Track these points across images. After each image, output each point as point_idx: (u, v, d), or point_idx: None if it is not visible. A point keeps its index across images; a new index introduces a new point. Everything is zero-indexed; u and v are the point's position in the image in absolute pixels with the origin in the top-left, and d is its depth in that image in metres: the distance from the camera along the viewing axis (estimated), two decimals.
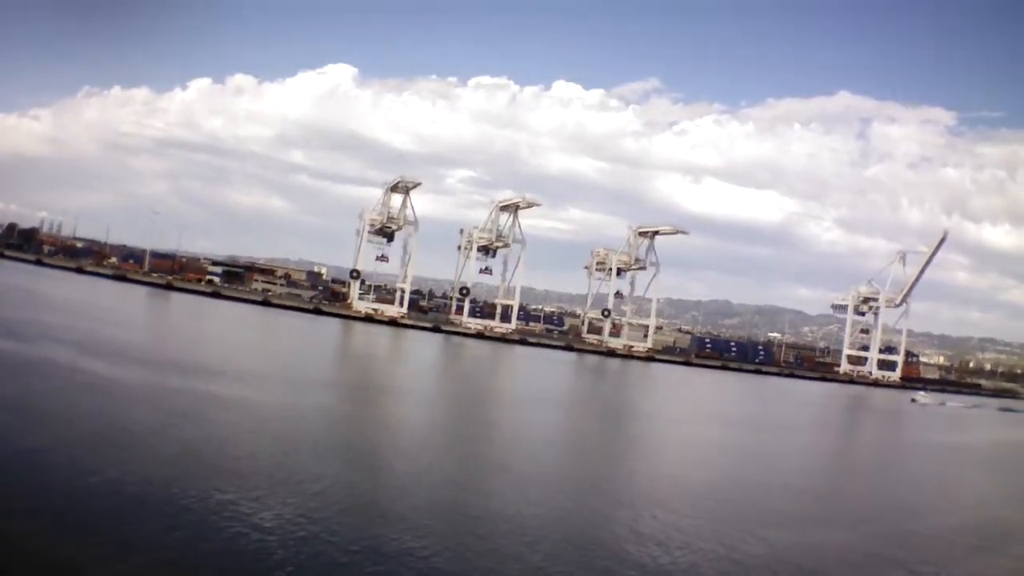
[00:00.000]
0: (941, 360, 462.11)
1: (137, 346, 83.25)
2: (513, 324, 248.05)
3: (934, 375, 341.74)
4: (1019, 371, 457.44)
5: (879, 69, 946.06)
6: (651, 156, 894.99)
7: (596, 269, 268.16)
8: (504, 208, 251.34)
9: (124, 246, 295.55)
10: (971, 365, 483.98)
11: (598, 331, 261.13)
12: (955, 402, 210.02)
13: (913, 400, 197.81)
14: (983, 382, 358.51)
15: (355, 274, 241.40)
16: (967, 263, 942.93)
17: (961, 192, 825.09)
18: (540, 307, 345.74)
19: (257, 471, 37.37)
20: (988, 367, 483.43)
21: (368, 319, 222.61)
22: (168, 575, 24.14)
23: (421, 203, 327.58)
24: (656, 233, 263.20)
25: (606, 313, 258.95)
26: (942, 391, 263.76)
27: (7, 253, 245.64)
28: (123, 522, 27.50)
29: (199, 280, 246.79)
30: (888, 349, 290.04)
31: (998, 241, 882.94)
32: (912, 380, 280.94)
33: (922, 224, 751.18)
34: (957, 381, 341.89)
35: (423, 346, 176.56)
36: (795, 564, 36.37)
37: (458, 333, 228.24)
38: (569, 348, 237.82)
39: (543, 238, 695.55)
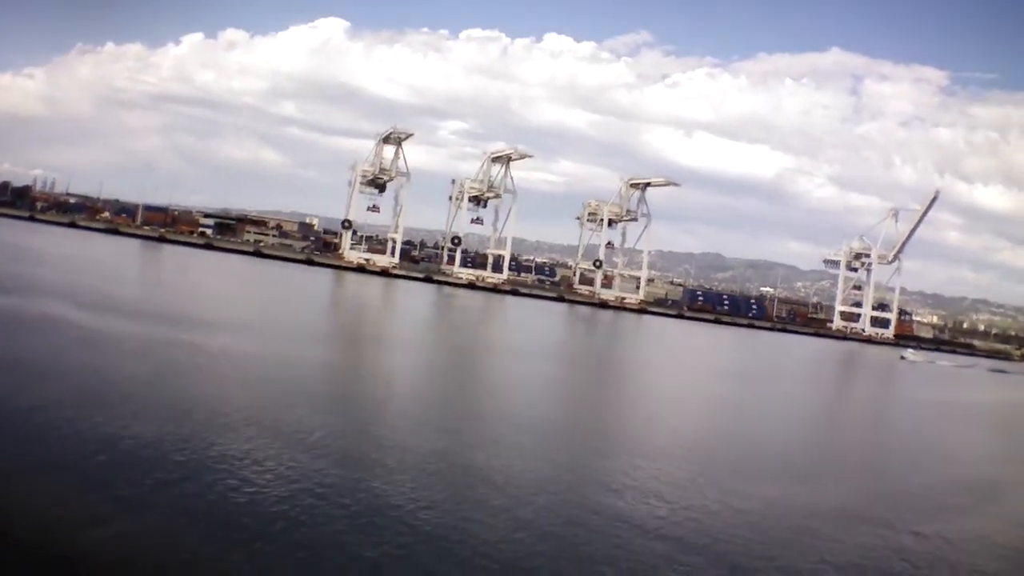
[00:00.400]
0: (935, 319, 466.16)
1: (129, 299, 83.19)
2: (504, 274, 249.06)
3: (928, 334, 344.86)
4: (1012, 333, 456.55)
5: (871, 27, 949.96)
6: (643, 109, 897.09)
7: (588, 220, 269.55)
8: (496, 159, 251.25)
9: (117, 201, 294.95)
10: (964, 325, 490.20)
11: (590, 282, 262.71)
12: (945, 361, 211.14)
13: (903, 357, 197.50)
14: (976, 342, 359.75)
15: (347, 224, 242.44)
16: (960, 223, 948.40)
17: (954, 152, 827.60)
18: (531, 258, 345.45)
19: (249, 423, 37.14)
20: (982, 328, 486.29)
21: (360, 269, 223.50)
22: (164, 531, 23.84)
23: (413, 155, 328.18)
24: (648, 185, 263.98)
25: (598, 264, 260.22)
26: (936, 350, 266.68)
27: (0, 211, 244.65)
28: (118, 479, 27.21)
29: (191, 232, 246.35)
30: (881, 306, 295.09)
31: (991, 202, 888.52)
32: (906, 338, 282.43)
33: (915, 183, 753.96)
34: (951, 340, 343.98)
35: (414, 296, 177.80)
36: (786, 516, 35.94)
37: (449, 283, 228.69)
38: (561, 299, 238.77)
39: (535, 190, 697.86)
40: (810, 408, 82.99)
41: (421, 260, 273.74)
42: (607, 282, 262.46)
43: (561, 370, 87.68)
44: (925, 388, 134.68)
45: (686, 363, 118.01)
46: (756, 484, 40.52)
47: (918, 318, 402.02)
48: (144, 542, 22.68)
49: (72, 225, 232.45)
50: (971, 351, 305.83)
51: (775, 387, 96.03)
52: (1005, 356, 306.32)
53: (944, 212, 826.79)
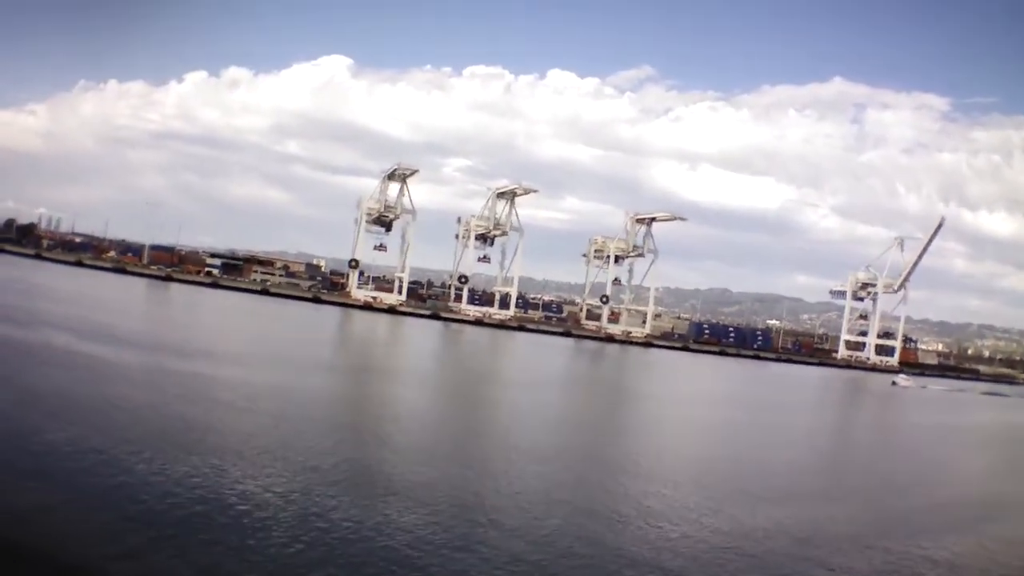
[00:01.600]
0: (940, 347, 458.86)
1: (137, 332, 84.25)
2: (511, 311, 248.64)
3: (932, 361, 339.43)
4: (1017, 357, 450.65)
5: (873, 55, 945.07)
6: (646, 143, 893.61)
7: (594, 257, 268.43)
8: (501, 195, 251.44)
9: (123, 240, 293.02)
10: (969, 351, 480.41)
11: (596, 318, 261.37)
12: (937, 385, 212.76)
13: (894, 383, 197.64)
14: (981, 368, 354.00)
15: (354, 263, 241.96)
16: (964, 250, 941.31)
17: (957, 178, 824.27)
18: (539, 296, 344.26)
19: (257, 449, 38.04)
20: (987, 354, 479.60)
21: (367, 307, 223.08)
22: (170, 550, 24.70)
23: (418, 193, 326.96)
24: (653, 219, 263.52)
25: (604, 300, 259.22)
26: (941, 376, 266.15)
27: (5, 248, 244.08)
28: (126, 500, 28.13)
29: (198, 272, 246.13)
30: (886, 335, 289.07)
31: (995, 228, 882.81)
32: (911, 365, 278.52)
33: (919, 210, 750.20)
34: (956, 367, 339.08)
35: (422, 332, 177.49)
36: (794, 536, 36.84)
37: (457, 320, 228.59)
38: (568, 334, 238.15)
39: (540, 227, 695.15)
40: (802, 434, 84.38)
41: (429, 298, 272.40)
42: (614, 317, 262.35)
43: (567, 400, 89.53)
44: (915, 412, 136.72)
45: (688, 392, 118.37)
46: (758, 506, 41.62)
47: (923, 346, 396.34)
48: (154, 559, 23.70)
49: (79, 264, 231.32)
50: (976, 376, 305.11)
51: (770, 415, 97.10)
52: (1010, 380, 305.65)
53: (949, 240, 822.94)
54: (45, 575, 22.29)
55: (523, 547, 30.13)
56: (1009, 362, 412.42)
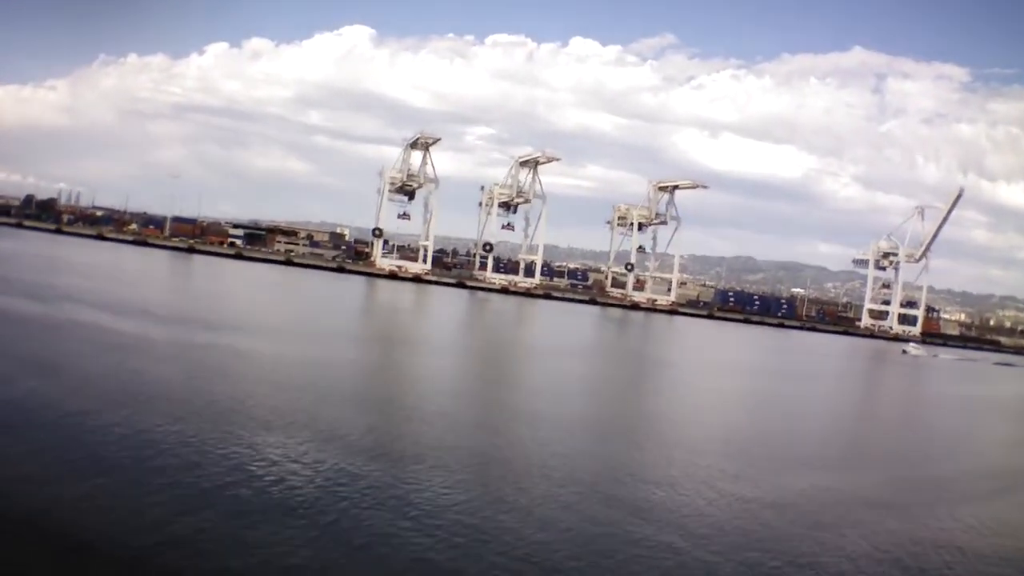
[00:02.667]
0: (962, 317, 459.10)
1: (160, 305, 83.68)
2: (537, 278, 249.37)
3: (955, 331, 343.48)
4: None
5: (893, 25, 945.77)
6: (669, 111, 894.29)
7: (618, 224, 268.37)
8: (524, 163, 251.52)
9: (144, 213, 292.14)
10: (992, 323, 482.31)
11: (621, 286, 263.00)
12: (948, 355, 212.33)
13: (904, 351, 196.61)
14: (1003, 339, 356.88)
15: (378, 232, 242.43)
16: (985, 221, 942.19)
17: (976, 149, 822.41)
18: (563, 264, 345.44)
19: (283, 421, 37.92)
20: (1008, 325, 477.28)
21: (392, 276, 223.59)
22: (201, 523, 24.47)
23: (441, 161, 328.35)
24: (675, 187, 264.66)
25: (629, 267, 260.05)
26: (963, 347, 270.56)
27: (26, 223, 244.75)
28: (159, 475, 28.00)
29: (221, 243, 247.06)
30: (909, 304, 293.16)
31: (1015, 199, 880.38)
32: (932, 335, 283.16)
33: (938, 181, 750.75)
34: (977, 338, 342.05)
35: (448, 301, 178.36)
36: (820, 504, 36.55)
37: (482, 288, 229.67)
38: (593, 302, 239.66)
39: (563, 195, 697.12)
40: (823, 403, 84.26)
41: (453, 266, 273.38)
42: (639, 285, 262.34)
43: (593, 368, 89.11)
44: (937, 382, 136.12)
45: (712, 361, 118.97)
46: (780, 474, 41.77)
47: (946, 316, 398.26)
48: (206, 545, 23.19)
49: (100, 237, 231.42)
50: (996, 347, 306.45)
51: (792, 384, 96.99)
52: None
53: (969, 210, 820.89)
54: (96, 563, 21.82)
55: (549, 513, 30.03)
56: None
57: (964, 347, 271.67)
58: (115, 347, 51.82)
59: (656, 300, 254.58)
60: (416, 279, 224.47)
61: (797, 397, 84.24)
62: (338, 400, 45.72)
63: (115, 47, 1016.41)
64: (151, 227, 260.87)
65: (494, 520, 28.27)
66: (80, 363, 44.99)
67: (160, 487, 26.83)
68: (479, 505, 29.65)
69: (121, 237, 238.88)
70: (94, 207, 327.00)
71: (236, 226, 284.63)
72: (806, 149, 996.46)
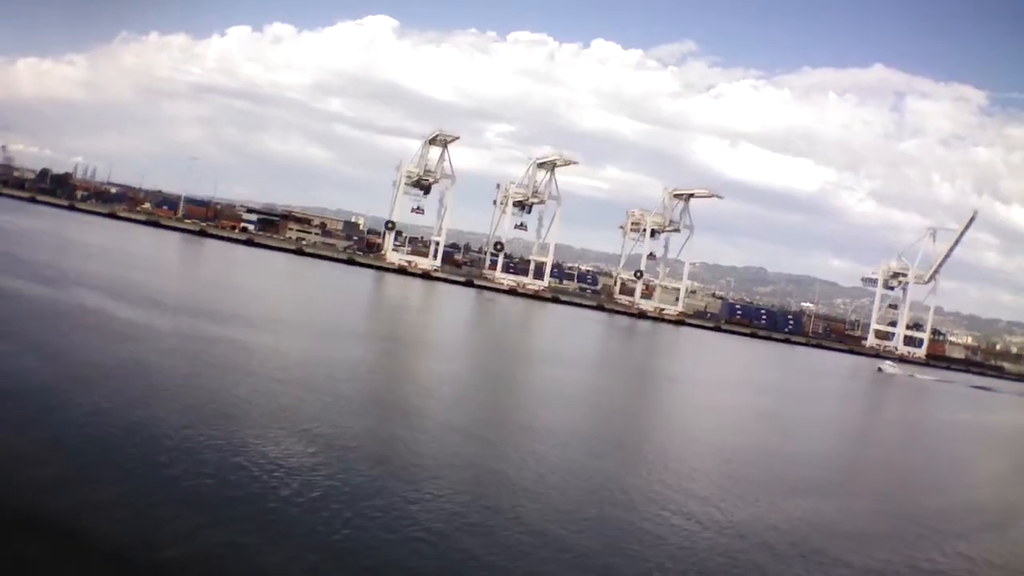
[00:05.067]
0: (968, 340, 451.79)
1: (168, 293, 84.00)
2: (546, 281, 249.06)
3: (960, 354, 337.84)
4: None
5: (913, 43, 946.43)
6: (688, 118, 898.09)
7: (631, 230, 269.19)
8: (541, 165, 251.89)
9: (159, 192, 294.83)
10: (998, 347, 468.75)
11: (630, 292, 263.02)
12: (925, 375, 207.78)
13: (880, 370, 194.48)
14: (1007, 365, 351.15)
15: (390, 225, 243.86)
16: (997, 244, 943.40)
17: (992, 172, 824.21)
18: (575, 265, 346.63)
19: (285, 422, 38.20)
20: (1015, 350, 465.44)
21: (401, 271, 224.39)
22: (196, 518, 25.01)
23: (459, 156, 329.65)
24: (691, 196, 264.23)
25: (638, 274, 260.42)
26: (966, 371, 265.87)
27: (39, 198, 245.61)
28: (154, 467, 28.60)
29: (233, 227, 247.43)
30: (916, 326, 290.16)
31: None
32: (937, 358, 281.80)
33: (953, 201, 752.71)
34: (982, 362, 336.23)
35: (454, 300, 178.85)
36: (814, 532, 36.59)
37: (491, 288, 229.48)
38: (600, 308, 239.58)
39: (579, 196, 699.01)
40: (821, 424, 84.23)
41: (464, 264, 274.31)
42: (648, 292, 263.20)
43: (595, 379, 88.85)
44: (951, 409, 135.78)
45: (716, 376, 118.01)
46: (777, 498, 41.86)
47: (952, 338, 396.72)
48: (213, 549, 23.50)
49: (113, 216, 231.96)
50: (1000, 373, 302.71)
51: (794, 403, 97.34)
52: None
53: (982, 232, 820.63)
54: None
55: (543, 526, 30.31)
56: None
57: (967, 371, 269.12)
58: (120, 336, 52.19)
59: (664, 309, 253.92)
60: (425, 275, 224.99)
61: (796, 417, 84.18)
62: (339, 402, 45.76)
63: (137, 25, 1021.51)
64: (164, 208, 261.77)
65: (483, 533, 28.51)
66: (79, 352, 45.51)
67: (138, 474, 27.57)
68: (469, 513, 29.94)
69: (134, 217, 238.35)
70: (109, 183, 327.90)
71: (250, 211, 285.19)
72: (823, 163, 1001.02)
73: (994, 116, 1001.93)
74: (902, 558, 35.30)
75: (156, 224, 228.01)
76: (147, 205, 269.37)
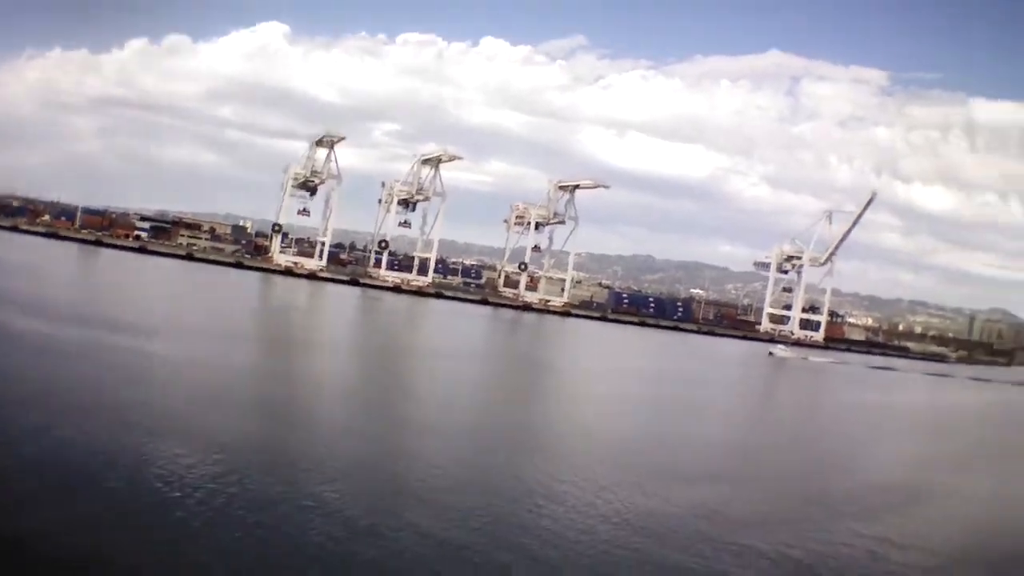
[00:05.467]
0: (869, 321, 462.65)
1: (57, 303, 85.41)
2: (429, 277, 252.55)
3: (860, 336, 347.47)
4: (950, 335, 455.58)
5: (811, 28, 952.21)
6: (576, 110, 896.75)
7: (516, 223, 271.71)
8: (426, 161, 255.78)
9: (57, 203, 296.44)
10: (900, 327, 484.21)
11: (515, 285, 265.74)
12: (819, 357, 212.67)
13: (771, 354, 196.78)
14: (911, 345, 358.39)
15: (277, 228, 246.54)
16: (898, 224, 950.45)
17: (892, 152, 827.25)
18: (459, 260, 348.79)
19: (170, 426, 38.85)
20: (918, 330, 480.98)
21: (288, 272, 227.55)
22: (83, 531, 25.11)
23: (346, 157, 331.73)
24: (576, 187, 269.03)
25: (523, 267, 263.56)
26: (868, 353, 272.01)
27: None
28: (42, 476, 29.04)
29: (127, 236, 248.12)
30: (812, 308, 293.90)
31: (930, 203, 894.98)
32: (836, 341, 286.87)
33: (851, 183, 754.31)
34: (884, 343, 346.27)
35: (339, 300, 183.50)
36: (705, 519, 36.94)
37: (375, 286, 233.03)
38: (484, 302, 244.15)
39: (465, 191, 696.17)
40: (706, 411, 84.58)
41: (349, 263, 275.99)
42: (532, 285, 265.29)
43: (480, 373, 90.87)
44: (846, 391, 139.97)
45: (603, 367, 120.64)
46: (669, 486, 42.66)
47: (852, 320, 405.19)
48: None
49: (15, 229, 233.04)
50: (904, 353, 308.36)
51: (681, 390, 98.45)
52: (940, 358, 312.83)
53: (882, 214, 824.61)
54: None
55: (438, 529, 30.47)
56: (942, 340, 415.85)
57: (869, 352, 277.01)
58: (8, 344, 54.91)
59: (549, 301, 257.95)
60: (311, 276, 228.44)
61: (688, 405, 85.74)
62: (223, 405, 47.74)
63: (42, 41, 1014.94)
64: (63, 219, 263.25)
65: (371, 534, 28.87)
66: None
67: (21, 482, 28.14)
68: (357, 514, 30.51)
69: (34, 229, 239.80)
70: (11, 196, 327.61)
71: (144, 218, 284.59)
72: (715, 149, 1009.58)
73: (895, 96, 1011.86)
74: (809, 541, 35.86)
75: (55, 236, 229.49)
76: (46, 217, 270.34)
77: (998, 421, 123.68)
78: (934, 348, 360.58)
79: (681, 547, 32.17)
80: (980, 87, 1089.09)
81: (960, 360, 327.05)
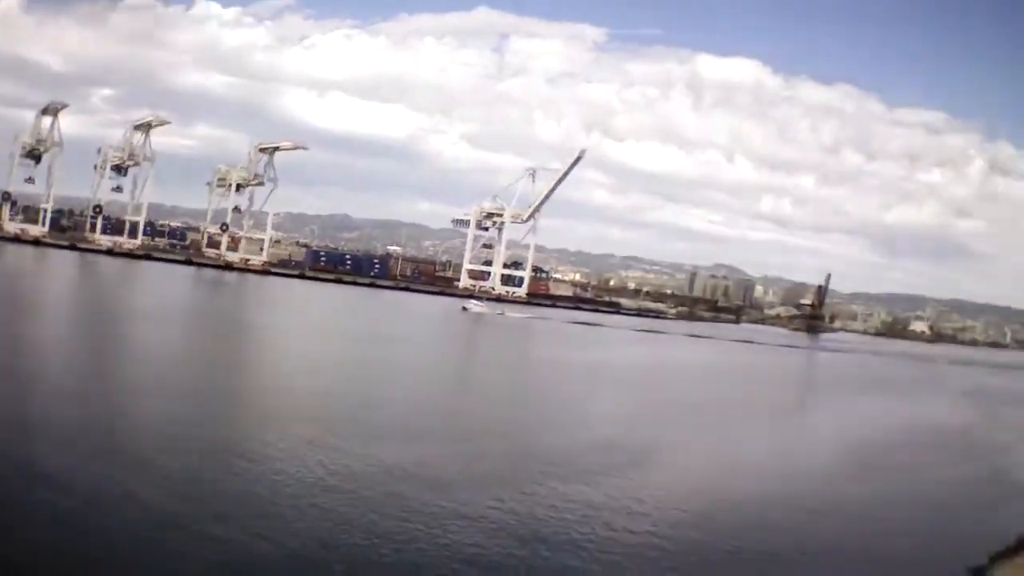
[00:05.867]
0: (576, 277, 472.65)
1: None
2: (139, 240, 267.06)
3: (567, 291, 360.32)
4: (668, 291, 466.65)
5: None
6: (280, 71, 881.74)
7: (218, 185, 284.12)
8: (138, 127, 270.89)
9: None
10: (612, 283, 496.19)
11: (217, 245, 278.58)
12: (517, 313, 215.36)
13: (464, 308, 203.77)
14: (624, 301, 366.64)
15: (6, 196, 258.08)
16: (608, 182, 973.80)
17: (606, 110, 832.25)
18: (167, 223, 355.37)
19: None
20: (632, 286, 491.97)
21: (16, 239, 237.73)
22: None
23: (71, 124, 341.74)
24: (276, 149, 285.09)
25: (224, 228, 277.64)
26: (576, 309, 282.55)
27: None
28: None
29: None
30: (515, 264, 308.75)
31: (644, 160, 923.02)
32: (542, 296, 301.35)
33: (559, 141, 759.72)
34: (594, 299, 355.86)
35: (58, 264, 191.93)
36: (405, 475, 38.46)
37: (91, 250, 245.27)
38: (189, 262, 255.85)
39: (173, 155, 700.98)
40: (396, 368, 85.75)
41: (69, 228, 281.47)
42: (234, 245, 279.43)
43: (181, 334, 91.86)
44: (527, 346, 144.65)
45: (299, 323, 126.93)
46: (368, 444, 43.95)
47: (558, 276, 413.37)
48: None
49: None
50: (617, 309, 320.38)
51: (376, 348, 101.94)
52: (658, 315, 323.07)
53: (592, 171, 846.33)
54: None
55: (131, 488, 31.04)
56: (658, 295, 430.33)
57: (577, 308, 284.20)
58: None
59: (249, 260, 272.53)
60: (36, 242, 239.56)
61: (381, 362, 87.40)
62: None
63: None
64: None
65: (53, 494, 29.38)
66: None
67: None
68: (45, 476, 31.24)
69: None
70: None
71: None
72: (415, 108, 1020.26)
73: (612, 53, 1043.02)
74: (510, 501, 36.45)
75: None
76: None
77: (697, 378, 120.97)
78: (650, 304, 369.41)
79: (375, 508, 32.69)
80: (707, 44, 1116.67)
81: (680, 317, 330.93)
